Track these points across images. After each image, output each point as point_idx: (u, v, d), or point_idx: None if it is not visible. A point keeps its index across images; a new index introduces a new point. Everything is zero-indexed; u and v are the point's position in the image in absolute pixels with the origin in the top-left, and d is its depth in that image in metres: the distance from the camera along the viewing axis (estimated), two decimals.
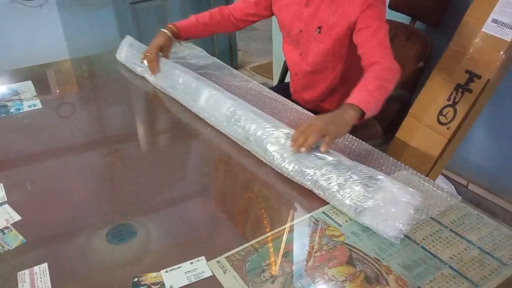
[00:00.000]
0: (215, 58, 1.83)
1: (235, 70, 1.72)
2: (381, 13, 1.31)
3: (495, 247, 0.84)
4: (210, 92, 1.31)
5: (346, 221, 0.91)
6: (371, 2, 1.28)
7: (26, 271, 0.81)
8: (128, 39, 1.80)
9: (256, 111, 1.19)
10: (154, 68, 1.51)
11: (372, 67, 1.23)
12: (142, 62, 1.56)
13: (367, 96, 1.12)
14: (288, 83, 1.74)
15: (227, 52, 3.69)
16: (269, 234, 0.89)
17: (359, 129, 1.67)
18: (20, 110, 1.43)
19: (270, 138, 1.07)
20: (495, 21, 1.57)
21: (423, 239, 0.86)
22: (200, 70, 1.70)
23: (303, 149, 0.99)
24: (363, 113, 1.09)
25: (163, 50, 1.54)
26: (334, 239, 0.87)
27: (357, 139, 1.22)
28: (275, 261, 0.82)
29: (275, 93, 1.50)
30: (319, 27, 1.40)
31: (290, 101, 1.45)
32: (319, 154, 0.99)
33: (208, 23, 1.60)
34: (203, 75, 1.64)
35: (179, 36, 1.57)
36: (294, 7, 1.46)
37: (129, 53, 1.70)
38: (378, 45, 1.27)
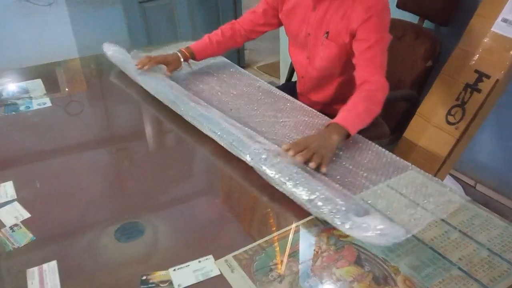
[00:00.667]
0: (222, 57, 1.84)
1: (242, 69, 1.72)
2: (383, 25, 1.30)
3: (504, 248, 0.83)
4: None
5: None
6: (373, 13, 1.27)
7: (35, 268, 0.82)
8: (108, 48, 1.76)
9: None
10: (144, 64, 1.49)
11: (362, 86, 1.28)
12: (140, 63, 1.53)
13: (354, 118, 1.18)
14: (295, 82, 1.73)
15: (235, 51, 3.68)
16: (276, 233, 0.89)
17: (367, 129, 1.66)
18: (29, 108, 1.44)
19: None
20: (505, 20, 1.56)
21: (432, 239, 0.85)
22: (207, 69, 1.71)
23: (312, 165, 1.03)
24: (348, 135, 1.15)
25: (168, 66, 1.55)
26: (342, 239, 0.87)
27: (365, 138, 1.21)
28: (282, 261, 0.82)
29: (283, 93, 1.50)
30: (327, 32, 1.39)
31: (298, 101, 1.45)
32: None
33: (221, 41, 1.62)
34: (210, 74, 1.65)
35: (194, 58, 1.61)
36: (302, 11, 1.45)
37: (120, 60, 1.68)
38: (371, 61, 1.29)
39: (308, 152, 1.05)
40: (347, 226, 0.85)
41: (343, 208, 0.88)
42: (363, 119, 1.20)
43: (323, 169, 1.04)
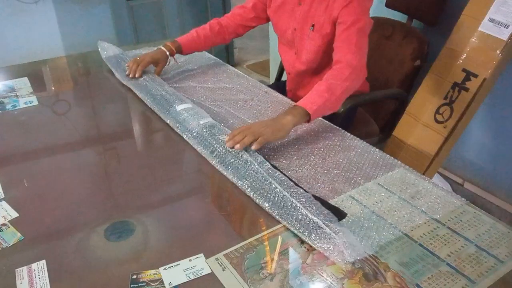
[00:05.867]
0: (212, 56, 1.83)
1: (232, 67, 1.72)
2: (362, 9, 1.31)
3: (492, 244, 0.85)
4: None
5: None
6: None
7: (24, 268, 0.81)
8: (108, 49, 1.75)
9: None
10: (134, 71, 1.50)
11: (333, 66, 1.28)
12: (127, 65, 1.55)
13: (315, 97, 1.19)
14: (285, 81, 1.74)
15: (224, 50, 3.68)
16: (267, 232, 0.89)
17: (356, 127, 1.68)
18: (16, 106, 1.43)
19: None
20: (491, 20, 1.58)
21: (421, 236, 0.86)
22: (197, 68, 1.70)
23: (237, 146, 1.07)
24: (307, 113, 1.16)
25: (157, 66, 1.55)
26: None
27: (354, 136, 1.22)
28: (273, 259, 0.82)
29: (272, 90, 1.51)
30: (313, 25, 1.41)
31: (286, 98, 1.45)
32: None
33: (209, 36, 1.61)
34: (200, 73, 1.65)
35: (181, 52, 1.59)
36: (289, 6, 1.47)
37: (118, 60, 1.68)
38: (345, 41, 1.30)
39: (240, 135, 1.08)
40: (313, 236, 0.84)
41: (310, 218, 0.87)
42: (324, 97, 1.19)
43: (253, 146, 1.07)
